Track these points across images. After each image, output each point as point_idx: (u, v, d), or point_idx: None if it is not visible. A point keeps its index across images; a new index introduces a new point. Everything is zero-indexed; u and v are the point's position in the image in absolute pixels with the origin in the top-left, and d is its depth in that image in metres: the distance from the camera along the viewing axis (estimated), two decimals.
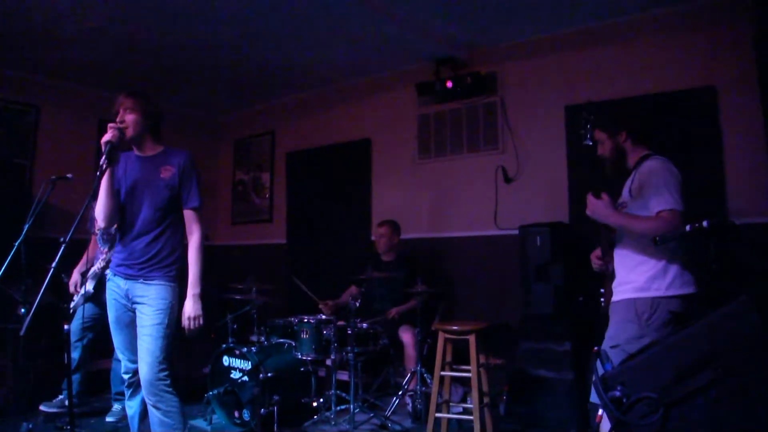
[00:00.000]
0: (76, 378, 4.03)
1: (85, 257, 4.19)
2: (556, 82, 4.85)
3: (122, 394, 3.75)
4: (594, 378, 2.54)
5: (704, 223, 2.13)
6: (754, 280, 3.55)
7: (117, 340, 2.85)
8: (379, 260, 4.94)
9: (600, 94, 4.29)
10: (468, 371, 3.50)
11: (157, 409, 2.69)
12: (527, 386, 3.99)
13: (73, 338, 3.94)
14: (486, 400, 3.56)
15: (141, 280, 2.74)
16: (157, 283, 2.74)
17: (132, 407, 2.91)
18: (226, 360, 4.06)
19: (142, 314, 2.72)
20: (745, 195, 3.95)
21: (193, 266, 2.78)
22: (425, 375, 4.18)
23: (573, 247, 4.09)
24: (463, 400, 4.10)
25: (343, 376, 4.31)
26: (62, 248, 2.34)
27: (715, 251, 2.27)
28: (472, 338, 3.49)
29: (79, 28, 4.63)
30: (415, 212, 5.59)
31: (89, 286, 4.01)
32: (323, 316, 4.29)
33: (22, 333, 2.18)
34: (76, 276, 4.03)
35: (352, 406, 3.88)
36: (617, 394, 1.80)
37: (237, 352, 3.99)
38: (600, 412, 1.88)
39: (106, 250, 3.94)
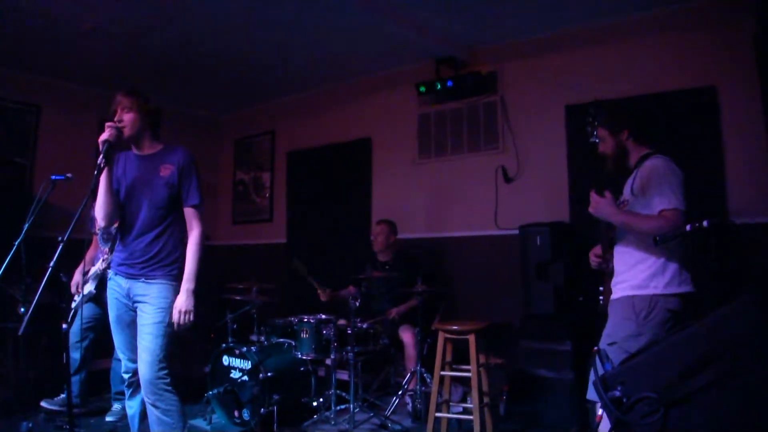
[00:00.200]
0: (78, 378, 4.03)
1: (86, 257, 4.20)
2: (556, 81, 4.85)
3: (122, 393, 3.74)
4: (593, 378, 2.55)
5: (704, 223, 2.13)
6: (755, 280, 3.55)
7: (117, 339, 2.84)
8: (376, 260, 4.94)
9: (600, 93, 4.26)
10: (468, 371, 3.50)
11: (156, 407, 2.68)
12: (527, 386, 3.99)
13: (74, 339, 3.94)
14: (486, 399, 3.56)
15: (142, 280, 2.74)
16: (158, 282, 2.74)
17: (132, 407, 2.90)
18: (225, 359, 4.06)
19: (143, 313, 2.72)
20: (745, 195, 3.95)
21: (190, 261, 2.77)
22: (425, 375, 4.17)
23: (573, 246, 4.09)
24: (463, 399, 4.09)
25: (343, 375, 4.31)
26: (60, 247, 2.34)
27: (716, 251, 2.27)
28: (472, 338, 3.48)
29: (79, 28, 4.63)
30: (415, 212, 5.59)
31: (91, 286, 4.01)
32: (323, 316, 4.29)
33: (20, 332, 2.18)
34: (77, 276, 4.02)
35: (351, 406, 3.88)
36: (617, 393, 1.79)
37: (237, 351, 3.99)
38: (600, 411, 1.88)
39: (107, 249, 3.94)
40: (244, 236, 7.24)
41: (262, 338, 4.27)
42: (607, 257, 2.80)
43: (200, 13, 4.48)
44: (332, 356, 4.00)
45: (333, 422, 3.90)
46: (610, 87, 4.41)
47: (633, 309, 2.56)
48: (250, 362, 3.86)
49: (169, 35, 4.89)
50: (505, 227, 4.91)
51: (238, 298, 4.42)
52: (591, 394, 2.56)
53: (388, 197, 5.85)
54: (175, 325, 2.70)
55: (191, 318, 2.72)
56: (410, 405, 4.16)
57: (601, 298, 2.84)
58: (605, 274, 2.82)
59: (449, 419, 3.71)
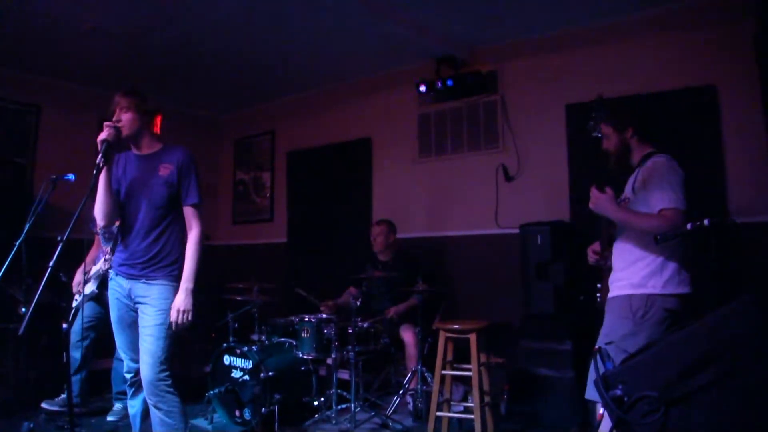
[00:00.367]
0: (79, 378, 4.04)
1: (88, 257, 4.21)
2: (556, 80, 4.85)
3: (123, 393, 3.75)
4: (592, 377, 2.55)
5: (705, 222, 2.13)
6: (755, 280, 3.55)
7: (119, 339, 2.85)
8: (376, 260, 4.94)
9: (600, 92, 4.28)
10: (469, 370, 3.50)
11: (158, 409, 2.69)
12: (528, 385, 3.99)
13: (75, 338, 3.94)
14: (487, 399, 3.56)
15: (143, 280, 2.74)
16: (159, 283, 2.74)
17: (134, 406, 2.91)
18: (227, 359, 4.06)
19: (144, 314, 2.72)
20: (745, 193, 3.96)
21: (189, 261, 2.76)
22: (426, 374, 4.18)
23: (574, 246, 4.08)
24: (464, 399, 4.10)
25: (344, 375, 4.32)
26: (60, 247, 2.35)
27: (716, 250, 2.27)
28: (472, 337, 3.49)
29: (79, 28, 4.63)
30: (415, 211, 5.59)
31: (93, 286, 4.02)
32: (324, 315, 4.29)
33: (20, 333, 2.19)
34: (79, 276, 4.03)
35: (353, 405, 3.88)
36: (618, 392, 1.80)
37: (238, 351, 3.99)
38: (601, 411, 1.88)
39: (108, 249, 3.94)
40: (245, 236, 7.24)
41: (263, 338, 4.27)
42: (606, 254, 2.80)
43: (200, 13, 4.48)
44: (333, 356, 4.01)
45: (334, 422, 3.90)
46: (611, 86, 4.38)
47: (630, 308, 2.56)
48: (251, 362, 3.86)
49: (169, 35, 4.89)
50: (506, 226, 4.91)
51: (238, 297, 4.42)
52: (589, 394, 2.57)
53: (388, 197, 5.86)
54: (173, 325, 2.70)
55: (189, 318, 2.72)
56: (411, 404, 4.17)
57: (598, 295, 2.83)
58: (603, 270, 2.82)
59: (450, 418, 3.71)
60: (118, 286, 2.80)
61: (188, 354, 4.64)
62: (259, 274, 4.59)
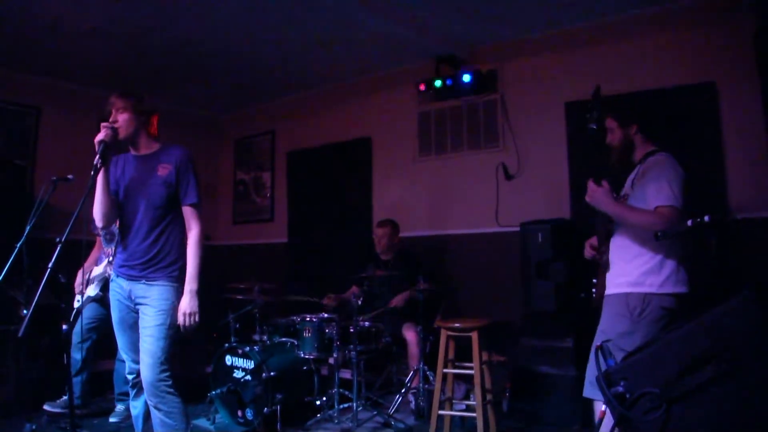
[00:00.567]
0: (80, 379, 4.04)
1: (90, 258, 4.21)
2: (556, 79, 4.85)
3: (125, 394, 3.77)
4: (590, 375, 2.55)
5: (706, 218, 2.13)
6: (755, 275, 3.55)
7: (121, 340, 2.85)
8: (378, 259, 4.94)
9: (598, 84, 4.28)
10: (470, 368, 3.50)
11: (159, 410, 2.69)
12: (530, 383, 4.00)
13: (77, 339, 3.94)
14: (489, 397, 3.56)
15: (143, 281, 2.74)
16: (159, 283, 2.74)
17: (136, 407, 2.91)
18: (228, 359, 4.06)
19: (145, 315, 2.72)
20: (745, 190, 3.95)
21: (191, 262, 2.77)
22: (428, 372, 4.19)
23: (574, 243, 4.07)
24: (466, 397, 4.10)
25: (346, 374, 4.32)
26: (58, 248, 2.35)
27: (716, 246, 2.27)
28: (474, 335, 3.49)
29: (79, 28, 4.63)
30: (415, 210, 5.59)
31: (96, 289, 4.02)
32: (326, 315, 4.29)
33: (20, 334, 2.19)
34: (81, 277, 4.03)
35: (354, 405, 3.89)
36: (620, 389, 1.80)
37: (240, 351, 3.99)
38: (603, 408, 1.88)
39: (110, 250, 3.94)
40: (245, 236, 7.24)
41: (265, 338, 4.27)
42: (603, 249, 2.79)
43: (200, 13, 4.48)
44: (335, 355, 4.01)
45: (336, 421, 3.90)
46: (610, 84, 4.39)
47: (627, 306, 2.56)
48: (253, 362, 3.87)
49: (169, 35, 4.89)
50: (506, 225, 4.91)
51: (239, 297, 4.42)
52: (587, 392, 2.57)
53: (388, 196, 5.86)
54: (182, 328, 2.71)
55: (197, 319, 2.73)
56: (413, 403, 4.18)
57: (594, 291, 2.82)
58: (599, 266, 2.82)
59: (452, 417, 3.72)
60: (118, 287, 2.81)
61: (190, 354, 4.64)
62: (260, 274, 4.60)
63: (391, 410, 4.11)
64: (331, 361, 4.20)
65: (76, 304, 4.05)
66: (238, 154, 7.47)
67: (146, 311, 2.72)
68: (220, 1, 4.28)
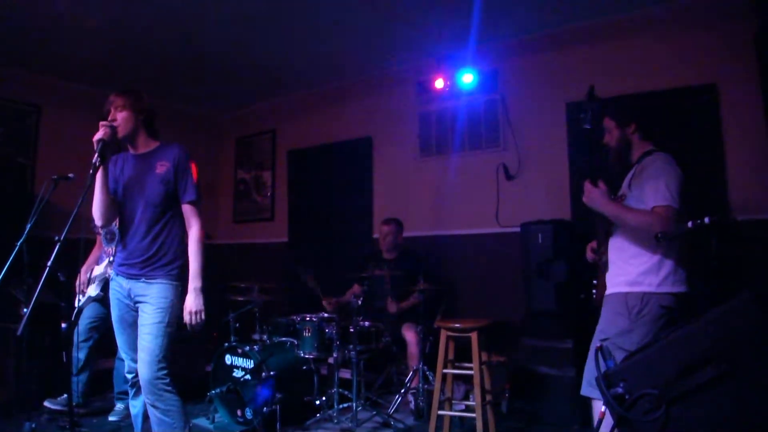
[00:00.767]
0: (82, 378, 4.04)
1: (92, 257, 4.21)
2: (556, 79, 4.85)
3: (125, 393, 3.76)
4: (588, 374, 2.55)
5: (706, 220, 2.13)
6: (756, 277, 3.55)
7: (120, 339, 2.85)
8: (381, 258, 4.94)
9: (600, 91, 4.28)
10: (470, 369, 3.50)
11: (156, 408, 2.68)
12: (529, 383, 3.99)
13: (78, 338, 3.94)
14: (488, 397, 3.56)
15: (143, 280, 2.74)
16: (158, 282, 2.73)
17: (136, 406, 2.91)
18: (228, 358, 4.06)
19: (143, 313, 2.72)
20: (746, 191, 3.95)
21: (194, 260, 2.76)
22: (427, 373, 4.18)
23: (575, 244, 4.08)
24: (466, 397, 4.10)
25: (346, 374, 4.32)
26: (57, 247, 2.35)
27: (717, 248, 2.27)
28: (474, 336, 3.49)
29: (79, 28, 4.63)
30: (416, 210, 5.59)
31: (97, 289, 4.02)
32: (326, 314, 4.29)
33: (19, 333, 2.19)
34: (83, 276, 4.03)
35: (354, 404, 3.89)
36: (620, 390, 1.80)
37: (239, 350, 3.99)
38: (603, 408, 1.88)
39: (110, 250, 3.94)
40: (246, 235, 7.24)
41: (265, 337, 4.28)
42: (602, 250, 2.79)
43: (200, 13, 4.48)
44: (335, 355, 4.01)
45: (336, 421, 3.90)
46: (611, 84, 4.40)
47: (626, 305, 2.56)
48: (252, 361, 3.87)
49: (169, 35, 4.89)
50: (507, 225, 4.91)
51: (240, 297, 4.42)
52: (585, 390, 2.57)
53: (389, 196, 5.86)
54: (188, 326, 2.71)
55: (203, 317, 2.73)
56: (413, 403, 4.17)
57: (594, 291, 2.83)
58: (599, 266, 2.82)
59: (452, 417, 3.71)
60: (118, 286, 2.81)
61: (190, 353, 4.64)
62: (260, 274, 4.59)
63: (391, 410, 4.11)
64: (330, 360, 4.20)
65: (76, 303, 4.06)
66: (239, 153, 7.47)
67: (145, 309, 2.72)
68: (220, 0, 4.28)
